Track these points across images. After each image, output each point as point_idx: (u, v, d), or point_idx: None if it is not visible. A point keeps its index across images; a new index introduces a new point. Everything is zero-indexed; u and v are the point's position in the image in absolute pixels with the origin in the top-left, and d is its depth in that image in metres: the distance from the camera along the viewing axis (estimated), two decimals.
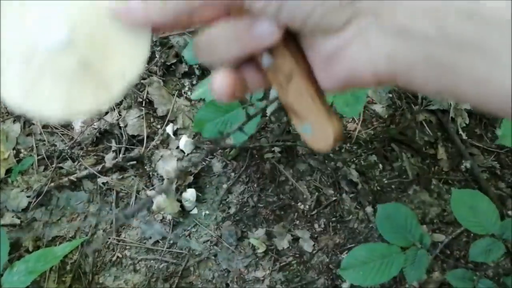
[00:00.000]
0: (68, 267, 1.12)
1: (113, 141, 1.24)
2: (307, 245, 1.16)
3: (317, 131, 0.31)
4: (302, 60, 0.30)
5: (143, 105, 1.27)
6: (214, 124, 0.88)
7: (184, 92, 1.31)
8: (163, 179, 1.20)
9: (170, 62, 1.32)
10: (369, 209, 1.19)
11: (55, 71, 0.30)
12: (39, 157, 1.22)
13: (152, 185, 1.20)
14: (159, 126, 1.26)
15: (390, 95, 1.35)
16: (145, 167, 1.21)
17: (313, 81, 0.30)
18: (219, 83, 0.30)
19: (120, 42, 0.31)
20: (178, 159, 1.21)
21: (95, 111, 0.30)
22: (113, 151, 1.23)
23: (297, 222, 1.18)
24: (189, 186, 1.18)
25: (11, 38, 0.30)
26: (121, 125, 1.24)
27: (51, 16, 0.30)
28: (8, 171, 1.20)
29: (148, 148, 1.22)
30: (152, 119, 1.27)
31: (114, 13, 0.30)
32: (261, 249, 1.14)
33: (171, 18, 0.29)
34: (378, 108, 1.33)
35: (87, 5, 0.31)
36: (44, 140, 1.24)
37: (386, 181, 1.24)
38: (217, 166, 1.22)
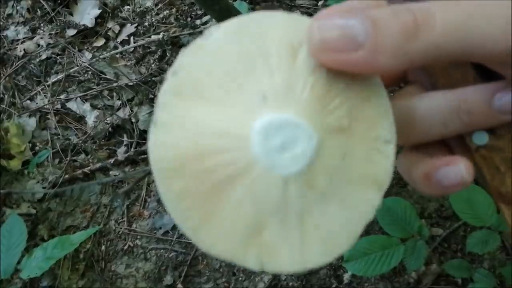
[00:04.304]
0: (81, 255, 1.17)
1: (125, 135, 1.29)
2: None
3: None
4: None
5: (155, 101, 1.32)
6: None
7: None
8: None
9: None
10: None
11: (319, 191, 0.22)
12: (54, 150, 1.27)
13: None
14: None
15: None
16: None
17: None
18: (463, 171, 0.23)
19: (359, 103, 0.23)
20: None
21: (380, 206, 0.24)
22: (125, 145, 1.28)
23: None
24: None
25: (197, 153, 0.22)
26: (133, 120, 1.29)
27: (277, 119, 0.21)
28: (24, 164, 1.24)
29: None
30: None
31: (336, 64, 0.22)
32: None
33: (404, 63, 0.21)
34: None
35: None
36: (59, 134, 1.29)
37: None
38: None
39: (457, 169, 0.23)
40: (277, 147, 0.21)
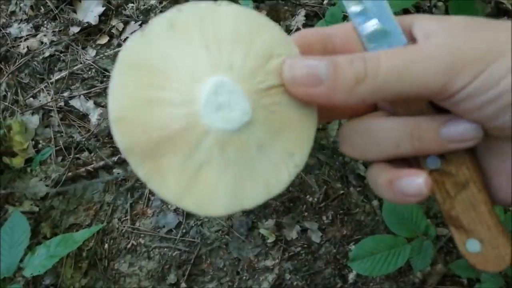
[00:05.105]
0: (84, 254, 1.16)
1: None
2: (315, 236, 1.20)
3: (488, 250, 0.27)
4: (477, 167, 0.27)
5: None
6: None
7: None
8: None
9: None
10: (375, 202, 1.23)
11: (225, 158, 0.25)
12: (57, 148, 1.26)
13: None
14: None
15: None
16: None
17: (486, 192, 0.27)
18: (420, 184, 0.26)
19: (291, 119, 0.27)
20: None
21: (259, 204, 0.26)
22: None
23: (306, 214, 1.22)
24: None
25: (166, 117, 0.24)
26: None
27: (223, 86, 0.25)
28: (27, 161, 1.24)
29: None
30: None
31: (294, 88, 0.26)
32: (270, 239, 1.18)
33: (356, 100, 0.26)
34: None
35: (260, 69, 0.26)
36: (62, 132, 1.29)
37: None
38: None
39: (417, 180, 0.26)
40: (218, 103, 0.24)
